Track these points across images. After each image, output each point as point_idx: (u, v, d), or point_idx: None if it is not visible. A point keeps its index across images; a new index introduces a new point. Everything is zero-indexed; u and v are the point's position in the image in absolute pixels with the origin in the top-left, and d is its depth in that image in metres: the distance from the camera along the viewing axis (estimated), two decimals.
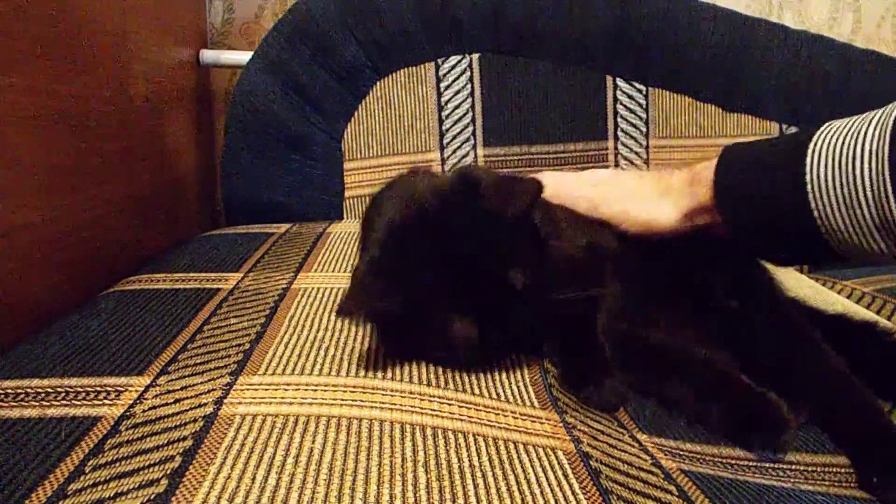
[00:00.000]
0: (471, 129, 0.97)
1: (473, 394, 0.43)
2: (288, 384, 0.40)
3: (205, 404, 0.37)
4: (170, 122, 0.90)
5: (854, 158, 0.43)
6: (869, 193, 0.42)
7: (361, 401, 0.39)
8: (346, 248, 0.71)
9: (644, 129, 1.00)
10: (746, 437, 0.43)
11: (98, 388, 0.40)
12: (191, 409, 0.37)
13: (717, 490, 0.38)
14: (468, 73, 0.96)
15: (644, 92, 1.00)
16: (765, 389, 0.44)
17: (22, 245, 0.53)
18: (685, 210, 0.55)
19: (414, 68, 0.95)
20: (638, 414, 0.47)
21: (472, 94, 0.97)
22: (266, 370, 0.42)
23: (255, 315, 0.51)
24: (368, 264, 0.45)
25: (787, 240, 0.50)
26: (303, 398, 0.39)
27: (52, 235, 0.58)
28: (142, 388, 0.40)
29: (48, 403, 0.38)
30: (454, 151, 0.97)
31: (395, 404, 0.39)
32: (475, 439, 0.37)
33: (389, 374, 0.43)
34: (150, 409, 0.37)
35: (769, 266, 0.60)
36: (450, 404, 0.41)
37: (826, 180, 0.45)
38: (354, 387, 0.41)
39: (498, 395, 0.44)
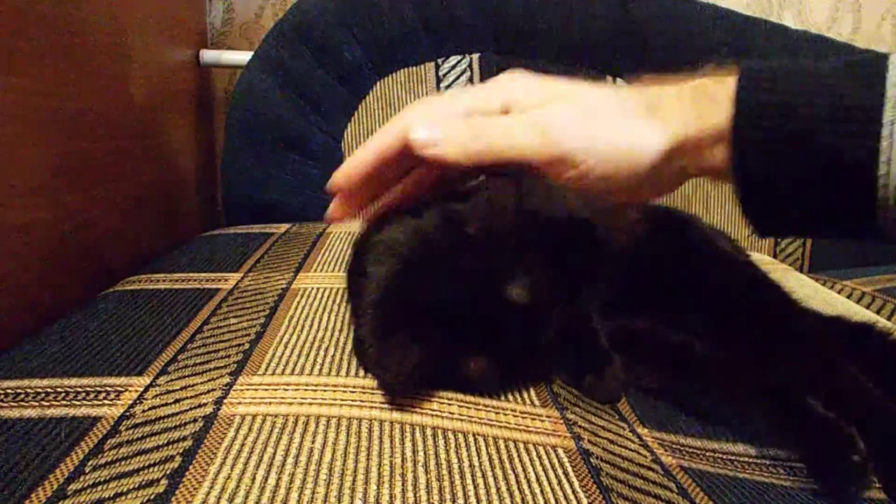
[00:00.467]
0: None
1: (473, 393, 0.43)
2: (288, 384, 0.40)
3: (205, 404, 0.37)
4: (170, 123, 0.90)
5: None
6: None
7: (361, 401, 0.39)
8: (346, 248, 0.71)
9: None
10: (834, 482, 0.39)
11: (98, 389, 0.40)
12: (191, 409, 0.37)
13: (716, 488, 0.38)
14: (468, 73, 0.96)
15: None
16: (834, 418, 0.41)
17: (22, 245, 0.53)
18: (680, 138, 0.38)
19: (414, 68, 0.95)
20: (639, 406, 0.47)
21: None
22: (266, 370, 0.42)
23: (254, 315, 0.51)
24: (377, 326, 0.41)
25: (830, 203, 0.35)
26: (303, 398, 0.39)
27: (52, 235, 0.58)
28: (142, 388, 0.40)
29: (48, 403, 0.38)
30: None
31: (395, 404, 0.39)
32: (475, 439, 0.37)
33: None
34: (149, 409, 0.37)
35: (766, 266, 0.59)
36: (449, 404, 0.41)
37: None
38: (354, 387, 0.41)
39: (497, 394, 0.44)
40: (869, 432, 0.40)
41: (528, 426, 0.40)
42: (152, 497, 0.29)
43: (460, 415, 0.40)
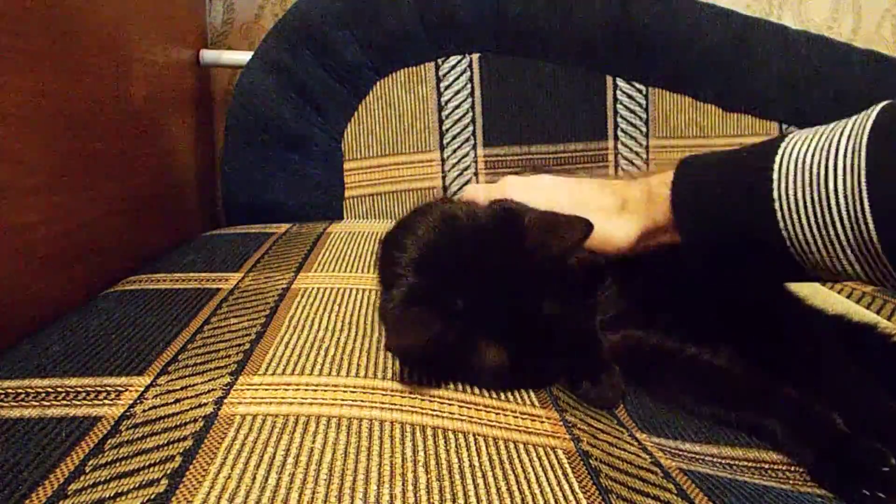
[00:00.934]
0: (471, 129, 0.97)
1: (473, 393, 0.43)
2: (288, 384, 0.40)
3: (205, 404, 0.37)
4: (170, 123, 0.90)
5: (826, 174, 0.40)
6: (843, 212, 0.39)
7: (361, 401, 0.39)
8: (346, 248, 0.71)
9: (644, 129, 1.00)
10: (865, 493, 0.39)
11: (98, 388, 0.40)
12: (191, 409, 0.37)
13: (716, 489, 0.38)
14: (468, 73, 0.97)
15: (644, 92, 1.00)
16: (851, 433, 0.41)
17: (22, 245, 0.53)
18: (643, 229, 0.51)
19: (414, 68, 0.95)
20: (637, 412, 0.47)
21: (472, 94, 0.97)
22: (266, 370, 0.42)
23: (255, 315, 0.51)
24: (408, 292, 0.44)
25: (753, 261, 0.46)
26: (303, 398, 0.39)
27: (52, 235, 0.58)
28: (142, 388, 0.40)
29: (48, 403, 0.38)
30: (454, 151, 0.97)
31: (395, 404, 0.39)
32: (475, 439, 0.37)
33: (389, 374, 0.43)
34: (150, 409, 0.37)
35: None
36: (450, 404, 0.41)
37: (796, 198, 0.41)
38: (354, 387, 0.41)
39: (498, 394, 0.44)
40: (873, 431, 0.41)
41: (527, 427, 0.40)
42: (152, 497, 0.29)
43: (460, 415, 0.40)
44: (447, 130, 0.96)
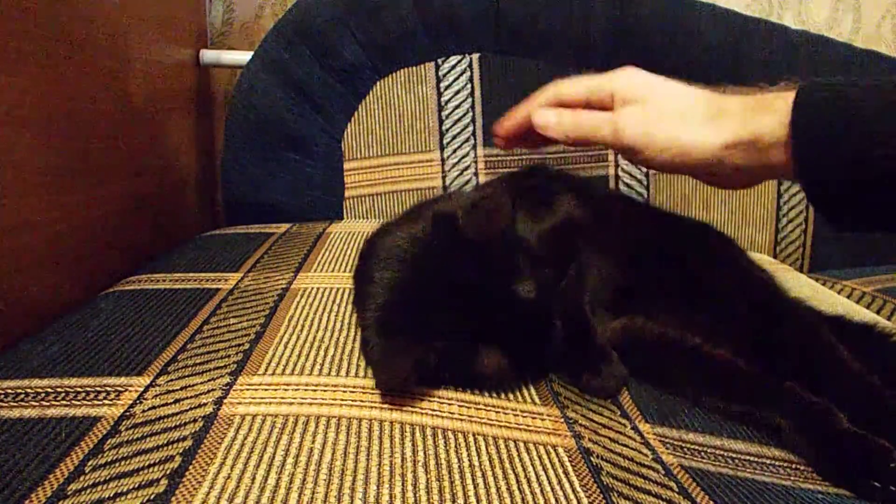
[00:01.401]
0: (471, 129, 0.97)
1: (473, 393, 0.43)
2: (287, 384, 0.40)
3: (205, 404, 0.37)
4: (170, 122, 0.90)
5: None
6: None
7: (361, 401, 0.39)
8: (346, 248, 0.71)
9: None
10: (867, 489, 0.40)
11: (98, 388, 0.40)
12: (191, 409, 0.37)
13: (717, 487, 0.38)
14: (468, 73, 0.96)
15: None
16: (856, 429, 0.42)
17: (22, 245, 0.53)
18: (734, 139, 0.44)
19: (414, 68, 0.95)
20: (641, 400, 0.47)
21: (472, 94, 0.97)
22: (266, 370, 0.42)
23: (254, 315, 0.51)
24: (383, 329, 0.43)
25: (876, 200, 0.40)
26: (302, 398, 0.39)
27: (52, 235, 0.58)
28: (142, 388, 0.40)
29: (48, 403, 0.38)
30: (454, 151, 0.97)
31: (395, 404, 0.39)
32: (475, 438, 0.37)
33: None
34: (149, 409, 0.37)
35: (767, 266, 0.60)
36: (449, 404, 0.41)
37: None
38: (354, 387, 0.41)
39: (498, 393, 0.44)
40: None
41: (528, 425, 0.40)
42: (152, 497, 0.29)
43: (460, 415, 0.40)
44: (447, 130, 0.96)
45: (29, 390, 0.39)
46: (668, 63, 0.99)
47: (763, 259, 0.89)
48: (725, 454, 0.42)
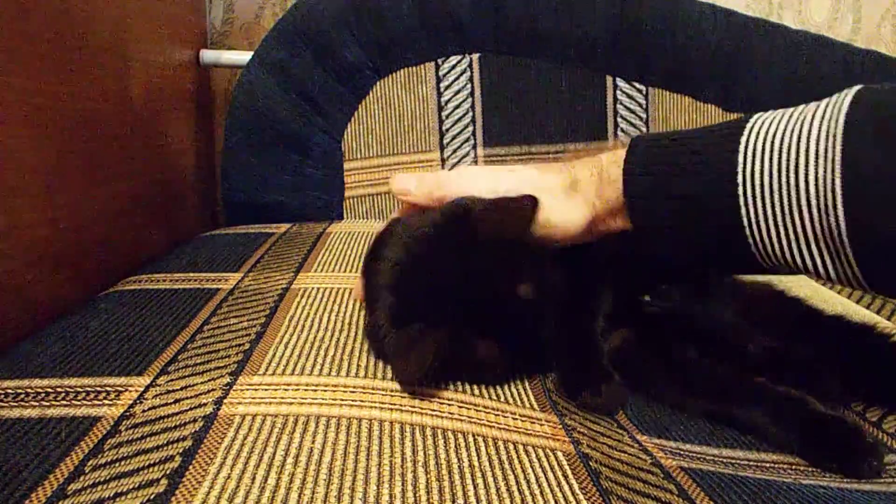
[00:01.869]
0: (471, 129, 0.97)
1: (473, 394, 0.43)
2: (288, 384, 0.40)
3: (205, 404, 0.37)
4: (170, 122, 0.90)
5: (797, 159, 0.37)
6: (813, 200, 0.36)
7: (361, 401, 0.39)
8: (346, 248, 0.71)
9: (644, 129, 1.00)
10: (852, 467, 0.42)
11: (98, 388, 0.40)
12: (191, 409, 0.37)
13: (717, 487, 0.38)
14: (468, 73, 0.96)
15: (644, 92, 1.00)
16: (834, 412, 0.44)
17: (22, 245, 0.53)
18: (594, 211, 0.47)
19: (414, 68, 0.95)
20: (638, 416, 0.47)
21: (472, 94, 0.97)
22: (266, 370, 0.42)
23: (255, 315, 0.51)
24: (390, 315, 0.44)
25: (709, 248, 0.43)
26: (303, 398, 0.39)
27: (52, 235, 0.58)
28: (142, 388, 0.40)
29: (48, 403, 0.38)
30: (454, 151, 0.97)
31: (394, 404, 0.39)
32: (475, 439, 0.37)
33: (389, 374, 0.43)
34: (149, 409, 0.37)
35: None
36: (449, 404, 0.41)
37: (762, 182, 0.38)
38: (354, 387, 0.41)
39: (498, 396, 0.44)
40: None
41: (527, 429, 0.40)
42: (152, 497, 0.29)
43: (460, 415, 0.40)
44: (447, 130, 0.96)
45: (29, 390, 0.39)
46: (668, 63, 0.99)
47: None
48: (725, 460, 0.43)
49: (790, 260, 0.39)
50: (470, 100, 0.97)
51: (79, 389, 0.39)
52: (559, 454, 0.38)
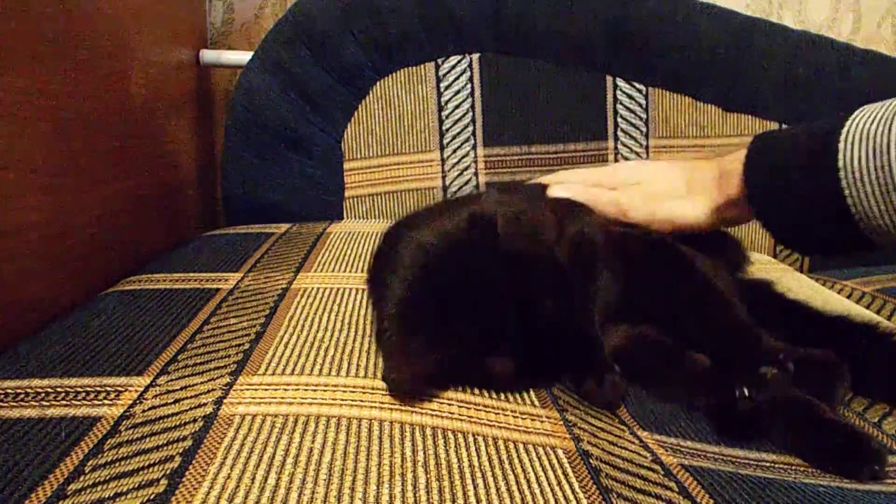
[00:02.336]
0: (471, 129, 0.97)
1: (473, 393, 0.43)
2: (288, 384, 0.40)
3: (204, 404, 0.37)
4: (170, 122, 0.90)
5: (888, 145, 0.43)
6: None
7: (361, 401, 0.39)
8: (346, 248, 0.71)
9: (644, 129, 1.00)
10: (854, 470, 0.42)
11: (98, 388, 0.40)
12: (190, 409, 0.37)
13: (717, 485, 0.37)
14: (468, 73, 0.96)
15: (644, 92, 1.00)
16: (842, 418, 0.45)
17: (22, 245, 0.53)
18: (715, 205, 0.56)
19: (414, 68, 0.95)
20: (638, 411, 0.47)
21: (472, 94, 0.97)
22: (266, 370, 0.42)
23: (254, 315, 0.51)
24: (399, 325, 0.42)
25: (822, 229, 0.49)
26: (303, 398, 0.39)
27: (52, 235, 0.58)
28: (141, 388, 0.40)
29: (48, 403, 0.38)
30: (454, 151, 0.97)
31: (394, 404, 0.39)
32: (475, 439, 0.37)
33: None
34: (149, 409, 0.37)
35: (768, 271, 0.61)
36: (449, 404, 0.41)
37: (860, 166, 0.45)
38: (354, 387, 0.41)
39: (498, 395, 0.44)
40: None
41: (527, 427, 0.40)
42: (152, 497, 0.29)
43: (460, 415, 0.40)
44: (447, 130, 0.96)
45: (29, 390, 0.39)
46: (668, 63, 0.99)
47: (763, 259, 0.89)
48: (725, 458, 0.43)
49: (887, 226, 0.45)
50: (470, 100, 0.97)
51: (79, 389, 0.39)
52: (559, 452, 0.38)
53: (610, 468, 0.37)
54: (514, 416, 0.41)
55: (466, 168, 0.97)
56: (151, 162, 0.82)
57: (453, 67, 0.96)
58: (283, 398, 0.39)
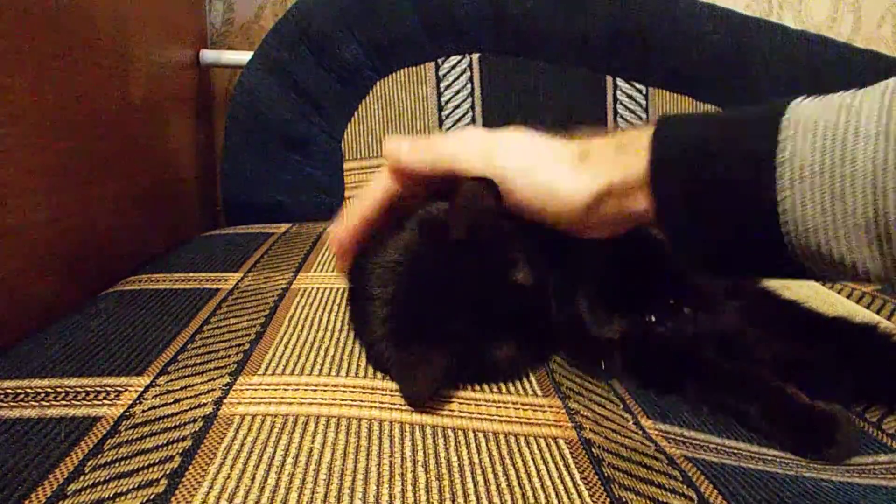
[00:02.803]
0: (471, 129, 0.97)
1: (473, 389, 0.43)
2: (288, 384, 0.40)
3: (204, 404, 0.37)
4: (170, 122, 0.90)
5: (844, 137, 0.33)
6: (867, 181, 0.32)
7: (361, 401, 0.39)
8: None
9: None
10: (820, 452, 0.44)
11: (98, 388, 0.40)
12: (190, 409, 0.37)
13: (721, 476, 0.38)
14: (468, 73, 0.97)
15: (644, 92, 1.00)
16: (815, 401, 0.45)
17: (22, 245, 0.53)
18: (606, 185, 0.40)
19: (414, 68, 0.95)
20: (643, 399, 0.47)
21: (472, 94, 0.97)
22: (266, 370, 0.42)
23: (254, 315, 0.51)
24: (397, 343, 0.43)
25: (742, 242, 0.37)
26: (302, 398, 0.39)
27: (52, 235, 0.58)
28: (141, 388, 0.40)
29: (48, 403, 0.38)
30: None
31: (394, 404, 0.39)
32: (475, 436, 0.37)
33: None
34: (149, 409, 0.37)
35: None
36: (449, 402, 0.41)
37: (806, 161, 0.34)
38: (354, 387, 0.41)
39: (499, 388, 0.44)
40: None
41: (528, 418, 0.40)
42: (152, 497, 0.29)
43: (460, 412, 0.40)
44: (447, 130, 0.96)
45: (29, 390, 0.39)
46: (668, 63, 0.99)
47: None
48: (728, 449, 0.43)
49: (828, 252, 0.34)
50: (470, 100, 0.97)
51: (79, 389, 0.39)
52: (561, 442, 0.38)
53: (612, 457, 0.37)
54: (516, 409, 0.41)
55: None
56: (151, 162, 0.82)
57: (453, 67, 0.96)
58: (282, 398, 0.39)
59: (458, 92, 0.96)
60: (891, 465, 0.43)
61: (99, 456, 0.33)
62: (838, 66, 1.01)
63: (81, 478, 0.31)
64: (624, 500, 0.33)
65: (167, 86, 0.88)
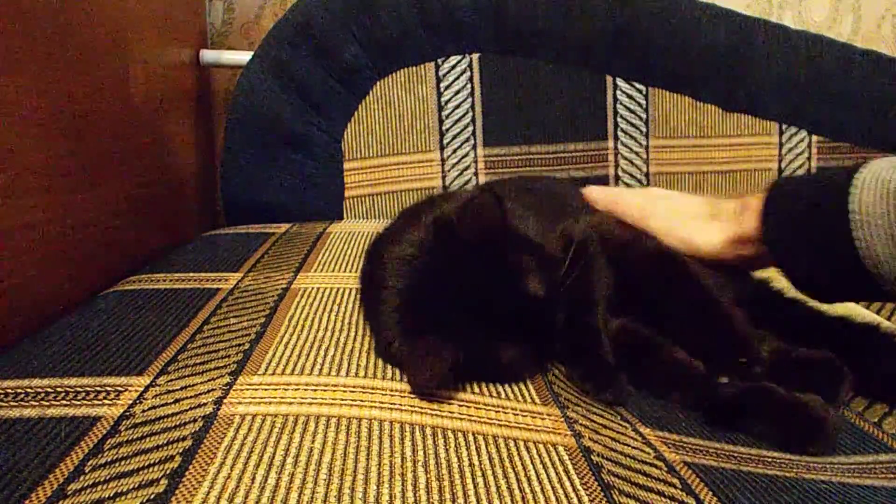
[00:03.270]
0: (471, 129, 0.97)
1: (473, 392, 0.43)
2: (288, 384, 0.40)
3: (204, 404, 0.37)
4: (170, 122, 0.90)
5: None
6: None
7: (361, 401, 0.39)
8: (346, 248, 0.71)
9: (644, 129, 1.00)
10: (804, 448, 0.44)
11: (98, 388, 0.40)
12: (190, 409, 0.37)
13: (720, 482, 0.37)
14: (468, 73, 0.97)
15: (644, 92, 1.00)
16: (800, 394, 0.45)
17: (22, 245, 0.53)
18: (730, 236, 0.56)
19: (414, 68, 0.95)
20: (639, 409, 0.47)
21: (472, 94, 0.97)
22: (266, 370, 0.42)
23: (254, 315, 0.51)
24: (407, 334, 0.44)
25: (831, 273, 0.49)
26: (303, 398, 0.39)
27: (52, 235, 0.58)
28: (141, 388, 0.40)
29: (48, 403, 0.38)
30: (454, 151, 0.97)
31: (394, 404, 0.39)
32: (475, 438, 0.37)
33: (389, 374, 0.43)
34: (149, 409, 0.37)
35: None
36: (449, 403, 0.41)
37: (870, 211, 0.45)
38: (354, 387, 0.41)
39: (498, 392, 0.44)
40: None
41: (528, 424, 0.40)
42: (152, 497, 0.29)
43: (460, 414, 0.40)
44: (447, 130, 0.96)
45: (29, 390, 0.39)
46: (669, 63, 0.99)
47: None
48: (727, 453, 0.43)
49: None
50: (470, 100, 0.97)
51: (79, 389, 0.39)
52: (560, 449, 0.38)
53: (611, 464, 0.37)
54: (515, 414, 0.41)
55: (466, 168, 0.97)
56: (151, 162, 0.82)
57: (453, 67, 0.96)
58: (283, 398, 0.39)
59: (458, 92, 0.96)
60: (891, 465, 0.43)
61: (99, 456, 0.33)
62: (838, 66, 1.01)
63: (81, 477, 0.31)
64: None
65: (167, 86, 0.88)
